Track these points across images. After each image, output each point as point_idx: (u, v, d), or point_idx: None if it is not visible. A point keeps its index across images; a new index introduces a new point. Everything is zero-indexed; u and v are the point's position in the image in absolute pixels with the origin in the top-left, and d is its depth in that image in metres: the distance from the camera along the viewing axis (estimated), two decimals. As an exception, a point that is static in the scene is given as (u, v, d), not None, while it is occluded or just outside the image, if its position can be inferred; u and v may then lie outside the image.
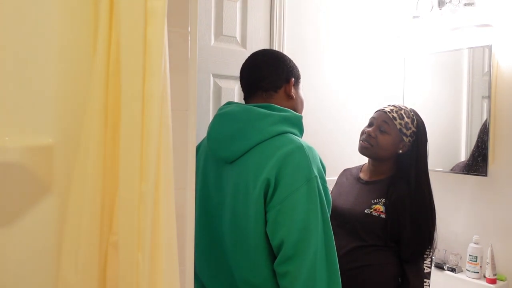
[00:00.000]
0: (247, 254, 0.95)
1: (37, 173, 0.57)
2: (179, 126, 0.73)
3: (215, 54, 1.64)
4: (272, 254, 0.94)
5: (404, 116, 1.36)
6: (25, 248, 0.58)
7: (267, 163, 0.91)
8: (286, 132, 0.97)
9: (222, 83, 1.67)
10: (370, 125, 1.42)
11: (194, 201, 0.78)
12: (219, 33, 1.65)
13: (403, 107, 1.40)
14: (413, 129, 1.36)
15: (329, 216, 0.93)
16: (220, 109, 1.08)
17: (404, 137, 1.35)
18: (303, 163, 0.91)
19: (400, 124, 1.35)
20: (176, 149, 0.66)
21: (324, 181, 0.94)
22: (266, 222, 0.91)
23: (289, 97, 1.07)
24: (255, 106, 1.00)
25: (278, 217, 0.89)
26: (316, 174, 0.91)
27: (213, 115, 1.64)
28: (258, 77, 1.06)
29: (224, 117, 1.02)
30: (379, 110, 1.42)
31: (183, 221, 0.75)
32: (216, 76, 1.65)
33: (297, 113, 1.02)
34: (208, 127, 1.07)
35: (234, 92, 1.71)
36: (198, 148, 1.16)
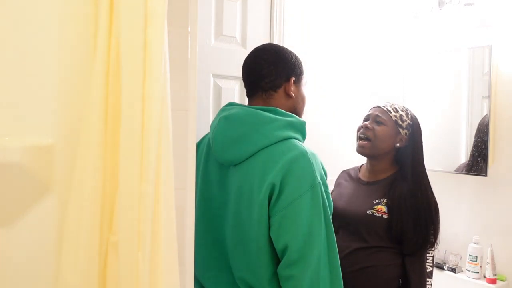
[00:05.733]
0: (247, 256, 0.95)
1: (37, 173, 0.57)
2: (179, 126, 0.74)
3: (215, 54, 1.64)
4: (273, 258, 0.94)
5: (398, 109, 1.40)
6: (25, 248, 0.57)
7: (273, 168, 0.92)
8: (291, 138, 0.97)
9: (222, 83, 1.67)
10: (365, 120, 1.44)
11: (194, 201, 0.78)
12: (219, 33, 1.65)
13: (396, 103, 1.44)
14: (408, 121, 1.39)
15: (331, 220, 0.95)
16: (222, 110, 1.07)
17: (401, 130, 1.37)
18: (308, 169, 0.92)
19: (395, 116, 1.38)
20: (176, 149, 0.66)
21: (326, 187, 0.96)
22: (269, 226, 0.92)
23: (288, 96, 1.06)
24: (259, 109, 1.00)
25: (282, 222, 0.90)
26: (320, 180, 0.93)
27: (213, 115, 1.65)
28: (257, 77, 1.05)
29: (229, 120, 1.01)
30: (373, 107, 1.45)
31: (183, 221, 0.75)
32: (216, 76, 1.65)
33: (301, 119, 1.03)
34: (212, 129, 1.06)
35: (234, 92, 1.71)
36: (197, 146, 1.15)
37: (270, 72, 1.04)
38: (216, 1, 1.64)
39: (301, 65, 1.10)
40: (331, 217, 0.95)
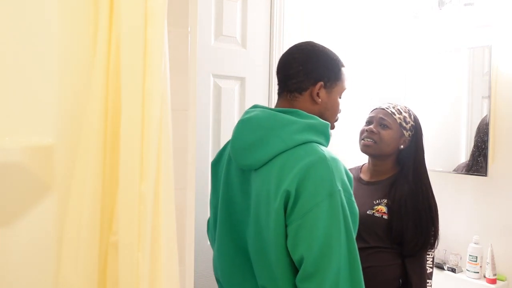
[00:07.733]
0: (268, 264, 0.91)
1: (37, 173, 0.57)
2: (179, 126, 0.74)
3: (215, 54, 1.64)
4: (293, 268, 0.90)
5: (401, 111, 1.39)
6: (25, 248, 0.57)
7: (288, 174, 0.86)
8: (311, 141, 0.91)
9: (222, 83, 1.67)
10: (369, 123, 1.42)
11: (194, 201, 0.78)
12: (219, 33, 1.65)
13: (397, 104, 1.43)
14: (412, 122, 1.38)
15: (354, 231, 0.88)
16: (245, 112, 1.01)
17: (405, 131, 1.37)
18: (326, 175, 0.85)
19: (399, 118, 1.37)
20: (176, 149, 0.66)
21: (349, 194, 0.89)
22: (286, 235, 0.87)
23: (314, 101, 0.98)
24: (280, 111, 0.94)
25: (298, 232, 0.85)
26: (340, 187, 0.86)
27: (213, 115, 1.65)
28: (285, 75, 1.00)
29: (247, 124, 0.95)
30: (375, 108, 1.44)
31: (183, 221, 0.75)
32: (216, 76, 1.65)
33: (324, 121, 0.95)
34: (232, 133, 1.00)
35: (234, 92, 1.70)
36: (224, 149, 1.10)
37: (298, 73, 0.97)
38: (216, 1, 1.64)
39: (339, 70, 1.02)
40: (355, 227, 0.88)
